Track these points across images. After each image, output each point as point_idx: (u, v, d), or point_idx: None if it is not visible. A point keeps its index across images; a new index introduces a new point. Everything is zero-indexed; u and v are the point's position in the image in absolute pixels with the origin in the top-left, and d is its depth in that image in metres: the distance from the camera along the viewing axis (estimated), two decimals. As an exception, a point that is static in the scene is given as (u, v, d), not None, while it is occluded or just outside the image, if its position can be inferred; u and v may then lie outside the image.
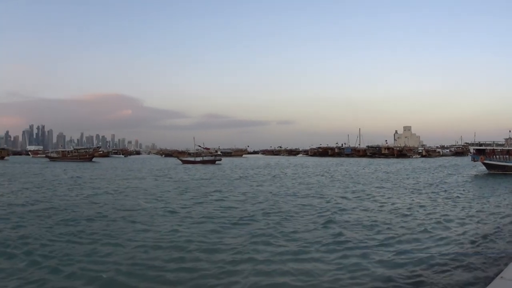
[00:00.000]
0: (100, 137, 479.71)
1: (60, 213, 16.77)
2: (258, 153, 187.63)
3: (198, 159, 75.46)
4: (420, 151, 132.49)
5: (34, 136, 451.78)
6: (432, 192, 25.81)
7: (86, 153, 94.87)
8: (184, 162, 75.44)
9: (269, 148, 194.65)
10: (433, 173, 46.42)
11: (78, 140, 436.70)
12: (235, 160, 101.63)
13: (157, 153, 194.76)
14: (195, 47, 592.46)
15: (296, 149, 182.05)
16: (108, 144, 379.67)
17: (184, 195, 23.92)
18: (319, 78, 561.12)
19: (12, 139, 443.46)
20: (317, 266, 9.47)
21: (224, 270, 9.06)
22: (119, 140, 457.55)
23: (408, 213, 17.38)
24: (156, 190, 26.82)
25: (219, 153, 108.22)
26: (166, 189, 27.61)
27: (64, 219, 15.17)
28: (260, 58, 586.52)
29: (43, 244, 11.25)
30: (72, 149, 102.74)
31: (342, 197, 22.93)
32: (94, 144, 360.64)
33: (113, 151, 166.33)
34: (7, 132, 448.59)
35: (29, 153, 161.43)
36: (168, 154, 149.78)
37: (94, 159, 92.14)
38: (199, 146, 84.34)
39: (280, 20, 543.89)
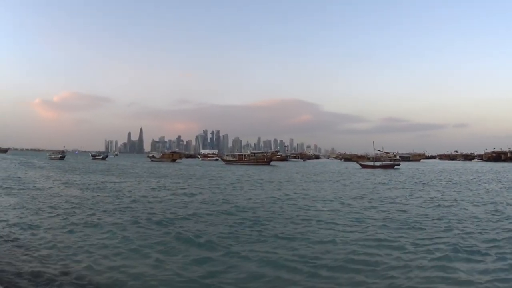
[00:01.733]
0: (278, 141, 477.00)
1: (245, 213, 16.87)
2: (435, 158, 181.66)
3: (377, 163, 73.80)
4: None
5: (208, 141, 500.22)
6: None
7: (264, 157, 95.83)
8: (364, 166, 75.31)
9: (445, 153, 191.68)
10: None
11: (255, 144, 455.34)
12: (413, 164, 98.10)
13: (336, 157, 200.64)
14: (373, 49, 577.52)
15: (471, 153, 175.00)
16: (287, 148, 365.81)
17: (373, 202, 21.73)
18: (493, 78, 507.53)
19: (184, 143, 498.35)
20: None
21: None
22: (297, 144, 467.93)
23: None
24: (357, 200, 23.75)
25: (397, 157, 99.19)
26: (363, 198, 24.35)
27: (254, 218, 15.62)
28: (436, 57, 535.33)
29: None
30: (249, 152, 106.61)
31: None
32: (272, 148, 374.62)
33: (292, 155, 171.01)
34: (179, 136, 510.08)
35: (198, 156, 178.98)
36: (347, 158, 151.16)
37: (272, 163, 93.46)
38: (379, 150, 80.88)
39: (458, 14, 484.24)
